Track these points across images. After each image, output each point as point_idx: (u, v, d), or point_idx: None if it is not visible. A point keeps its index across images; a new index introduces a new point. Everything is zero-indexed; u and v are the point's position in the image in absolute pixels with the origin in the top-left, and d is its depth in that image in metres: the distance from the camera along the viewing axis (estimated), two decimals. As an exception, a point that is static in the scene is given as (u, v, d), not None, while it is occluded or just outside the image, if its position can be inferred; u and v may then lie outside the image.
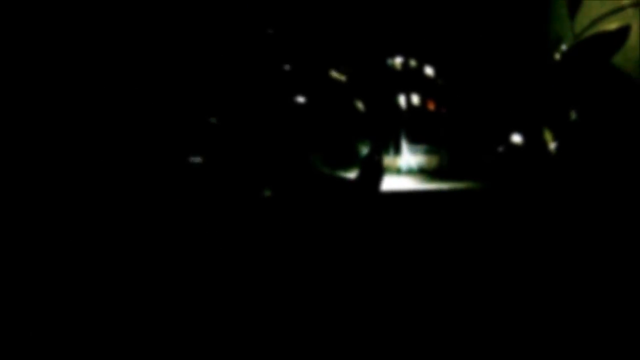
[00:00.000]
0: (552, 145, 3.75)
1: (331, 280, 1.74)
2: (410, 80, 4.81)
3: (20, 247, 2.10)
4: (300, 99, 3.87)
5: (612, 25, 2.40)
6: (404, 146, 5.09)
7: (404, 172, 5.14)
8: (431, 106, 5.07)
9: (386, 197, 4.56)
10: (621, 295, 1.46)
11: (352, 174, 4.15)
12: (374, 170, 4.29)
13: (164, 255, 2.19)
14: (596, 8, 2.57)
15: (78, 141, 2.72)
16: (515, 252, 2.13)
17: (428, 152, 5.10)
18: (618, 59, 2.37)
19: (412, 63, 5.10)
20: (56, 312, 1.53)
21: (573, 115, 3.08)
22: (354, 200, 4.00)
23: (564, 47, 3.10)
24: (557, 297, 1.50)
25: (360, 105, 4.35)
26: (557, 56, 3.24)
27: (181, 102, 3.17)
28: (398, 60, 5.08)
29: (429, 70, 5.07)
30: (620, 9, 2.39)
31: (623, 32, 2.33)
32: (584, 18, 2.72)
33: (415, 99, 5.00)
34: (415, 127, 4.95)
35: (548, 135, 3.77)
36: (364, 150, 4.32)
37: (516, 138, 4.60)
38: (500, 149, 5.01)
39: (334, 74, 4.15)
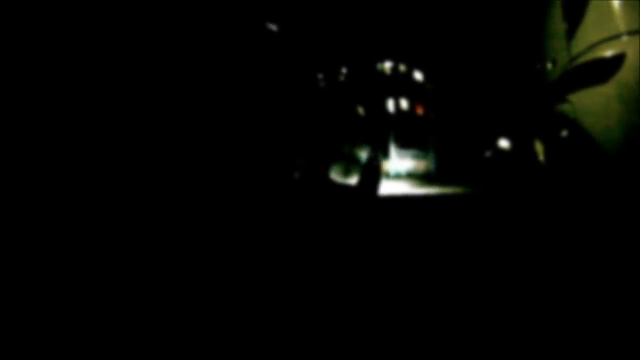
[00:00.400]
0: (542, 157, 3.78)
1: (331, 280, 1.75)
2: (400, 85, 4.76)
3: (23, 247, 2.11)
4: (301, 105, 3.81)
5: (607, 52, 2.41)
6: (393, 151, 5.07)
7: (392, 176, 5.12)
8: (420, 111, 5.05)
9: (377, 203, 4.55)
10: (607, 298, 1.49)
11: (352, 180, 4.12)
12: (373, 175, 4.27)
13: (177, 257, 2.23)
14: (593, 31, 2.58)
15: (78, 140, 2.70)
16: (500, 256, 2.17)
17: (416, 156, 5.10)
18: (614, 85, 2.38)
19: (402, 68, 5.07)
20: (56, 310, 1.51)
21: (564, 133, 3.09)
22: (356, 205, 3.99)
23: (554, 53, 3.11)
24: (544, 300, 1.53)
25: (361, 110, 4.30)
26: (549, 66, 3.25)
27: (186, 106, 3.13)
28: (387, 65, 5.04)
29: (418, 75, 5.05)
30: (617, 35, 2.39)
31: (618, 60, 2.34)
32: (580, 38, 2.72)
33: (404, 104, 4.96)
34: (404, 132, 4.92)
35: (539, 147, 3.79)
36: (364, 155, 4.29)
37: (503, 143, 4.63)
38: (488, 154, 5.06)
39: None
